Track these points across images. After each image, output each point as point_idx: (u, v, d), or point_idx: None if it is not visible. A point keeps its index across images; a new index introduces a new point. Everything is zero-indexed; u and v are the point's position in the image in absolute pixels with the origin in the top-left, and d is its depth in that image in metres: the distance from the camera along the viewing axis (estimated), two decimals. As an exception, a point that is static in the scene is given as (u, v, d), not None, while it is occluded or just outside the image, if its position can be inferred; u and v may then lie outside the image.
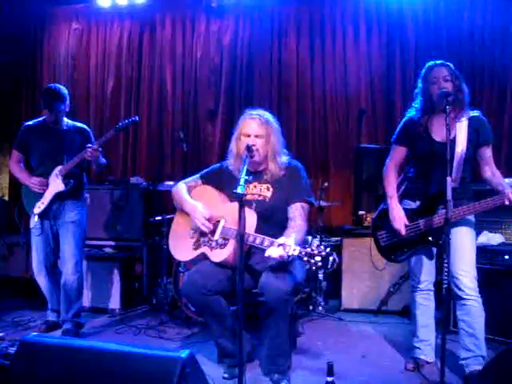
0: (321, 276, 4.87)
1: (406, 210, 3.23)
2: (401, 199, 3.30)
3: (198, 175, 3.48)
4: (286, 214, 3.12)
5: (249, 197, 3.15)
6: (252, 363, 3.39)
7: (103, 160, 4.18)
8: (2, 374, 2.77)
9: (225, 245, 3.09)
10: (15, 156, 4.23)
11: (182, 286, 3.17)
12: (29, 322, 4.46)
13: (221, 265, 3.09)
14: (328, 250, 2.52)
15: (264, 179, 3.21)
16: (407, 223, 3.18)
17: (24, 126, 4.22)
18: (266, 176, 3.20)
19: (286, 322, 3.02)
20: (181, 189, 3.40)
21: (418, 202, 3.23)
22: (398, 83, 5.62)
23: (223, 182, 3.32)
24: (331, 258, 2.49)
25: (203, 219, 3.14)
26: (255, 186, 3.21)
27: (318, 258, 2.49)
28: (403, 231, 3.16)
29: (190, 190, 3.42)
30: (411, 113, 3.25)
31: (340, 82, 5.81)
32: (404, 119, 3.31)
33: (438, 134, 3.12)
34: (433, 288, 3.33)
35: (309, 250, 2.53)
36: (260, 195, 3.18)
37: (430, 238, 3.14)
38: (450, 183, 2.78)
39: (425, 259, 3.26)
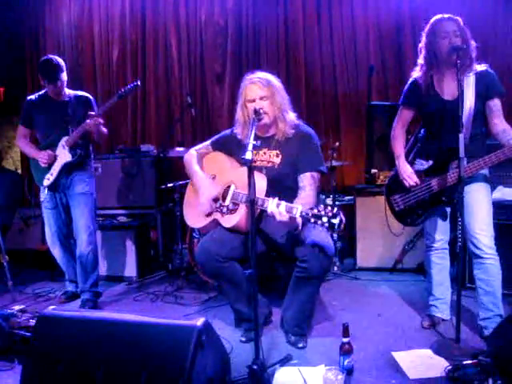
0: (335, 236, 4.88)
1: (418, 171, 3.20)
2: (413, 160, 3.27)
3: (208, 142, 3.46)
4: (295, 180, 3.09)
5: (258, 163, 3.14)
6: (268, 326, 3.44)
7: (104, 130, 4.10)
8: (25, 346, 2.85)
9: (235, 210, 3.08)
10: (21, 131, 4.21)
11: (195, 254, 3.17)
12: (49, 294, 4.53)
13: (233, 231, 3.09)
14: (335, 210, 2.50)
15: (273, 145, 3.16)
16: (418, 182, 3.17)
17: (27, 100, 4.17)
18: (277, 137, 3.15)
19: (318, 288, 3.09)
20: (191, 159, 3.40)
21: (430, 162, 3.18)
22: (408, 37, 5.48)
23: (233, 149, 3.29)
24: (337, 218, 2.47)
25: (208, 203, 3.16)
26: (265, 153, 3.17)
27: (324, 219, 2.48)
28: (416, 183, 3.17)
29: (201, 156, 3.43)
30: (416, 73, 3.18)
31: (348, 38, 5.68)
32: (410, 81, 3.24)
33: (446, 92, 3.07)
34: (447, 246, 3.32)
35: (315, 211, 2.51)
36: (269, 162, 3.15)
37: (443, 198, 3.12)
38: (462, 140, 2.72)
39: (439, 218, 3.24)
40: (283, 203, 2.68)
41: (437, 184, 3.12)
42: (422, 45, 3.10)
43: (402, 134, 3.32)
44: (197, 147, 3.49)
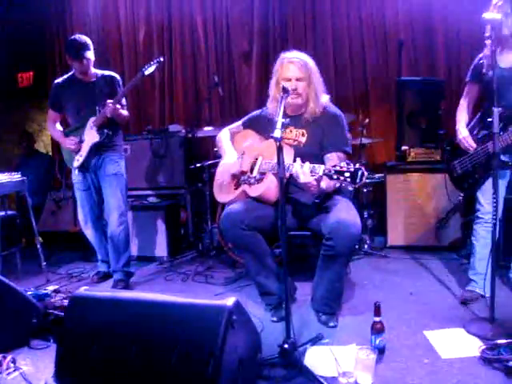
0: (365, 214, 4.85)
1: (477, 138, 3.30)
2: (473, 130, 3.38)
3: (240, 122, 3.55)
4: (321, 160, 3.07)
5: (285, 141, 3.15)
6: (295, 304, 3.45)
7: (124, 114, 4.07)
8: (59, 325, 2.91)
9: (262, 179, 3.13)
10: (50, 115, 4.24)
11: (219, 220, 3.21)
12: (81, 274, 4.60)
13: (260, 202, 3.12)
14: (357, 165, 2.49)
15: (300, 124, 3.18)
16: (473, 144, 3.27)
17: (54, 83, 4.18)
18: (305, 116, 3.17)
19: (346, 267, 3.08)
20: (223, 137, 3.51)
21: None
22: (439, 12, 5.33)
23: (262, 127, 3.33)
24: (359, 172, 2.45)
25: (228, 177, 3.32)
26: (291, 131, 3.21)
27: (347, 174, 2.47)
28: (471, 147, 3.28)
29: (233, 135, 3.52)
30: (482, 52, 3.26)
31: (377, 13, 5.56)
32: (476, 59, 3.35)
33: (503, 61, 3.17)
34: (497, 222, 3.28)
35: (338, 167, 2.50)
36: (295, 140, 3.17)
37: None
38: (496, 114, 2.76)
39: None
40: (307, 164, 2.68)
41: (492, 145, 3.11)
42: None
43: (465, 107, 3.45)
44: (230, 126, 3.58)
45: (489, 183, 3.23)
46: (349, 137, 3.26)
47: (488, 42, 3.15)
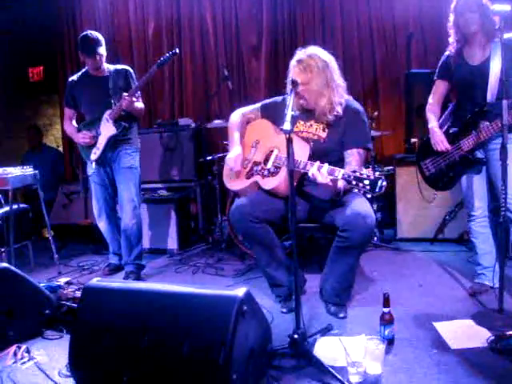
0: (374, 207, 4.85)
1: (447, 135, 3.30)
2: (444, 127, 3.38)
3: (258, 105, 3.48)
4: (341, 155, 3.08)
5: (305, 134, 3.15)
6: (304, 295, 3.47)
7: (139, 106, 4.12)
8: (72, 316, 2.96)
9: (276, 173, 3.13)
10: (66, 113, 4.31)
11: (229, 212, 3.21)
12: (93, 266, 4.66)
13: (272, 194, 3.12)
14: (377, 174, 2.49)
15: (321, 119, 3.13)
16: (449, 146, 3.26)
17: (68, 81, 4.23)
18: (324, 111, 3.10)
19: (358, 259, 3.08)
20: (235, 122, 3.44)
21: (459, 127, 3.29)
22: (448, 3, 5.28)
23: (280, 115, 3.25)
24: (379, 182, 2.45)
25: (236, 163, 3.26)
26: (311, 125, 3.17)
27: (366, 182, 2.47)
28: (447, 149, 3.27)
29: (247, 121, 3.46)
30: (448, 50, 3.30)
31: (386, 5, 5.54)
32: (443, 56, 3.36)
33: (472, 58, 3.17)
34: (487, 214, 3.31)
35: (358, 173, 2.50)
36: (315, 134, 3.14)
37: (470, 156, 3.19)
38: (505, 107, 2.76)
39: (476, 185, 3.26)
40: (326, 165, 2.67)
41: (465, 144, 3.19)
42: (450, 23, 3.25)
43: (436, 105, 3.44)
44: (245, 110, 3.50)
45: (476, 180, 3.26)
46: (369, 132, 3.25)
47: (451, 39, 3.24)
